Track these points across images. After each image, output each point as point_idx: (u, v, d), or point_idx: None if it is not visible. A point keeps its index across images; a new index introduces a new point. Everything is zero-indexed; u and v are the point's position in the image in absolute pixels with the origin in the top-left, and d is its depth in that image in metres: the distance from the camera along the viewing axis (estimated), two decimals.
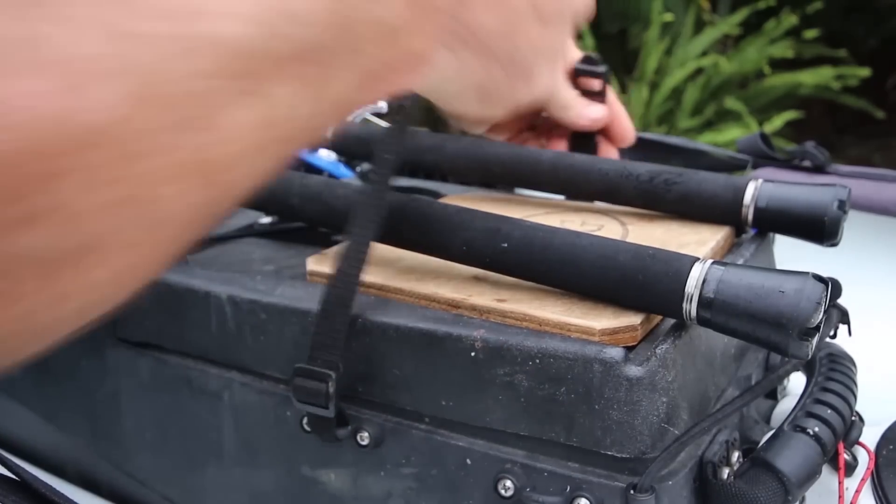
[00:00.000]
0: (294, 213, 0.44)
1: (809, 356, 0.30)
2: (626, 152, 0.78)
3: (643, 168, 0.45)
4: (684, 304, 0.32)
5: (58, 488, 0.30)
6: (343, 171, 0.74)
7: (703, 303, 0.31)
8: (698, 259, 0.33)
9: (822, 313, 0.30)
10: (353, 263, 0.37)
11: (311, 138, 0.24)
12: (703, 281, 0.31)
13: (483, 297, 0.36)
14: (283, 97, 0.21)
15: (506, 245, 0.36)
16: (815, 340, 0.30)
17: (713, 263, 0.32)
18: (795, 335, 0.29)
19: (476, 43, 0.31)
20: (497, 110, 0.37)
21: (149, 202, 0.17)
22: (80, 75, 0.15)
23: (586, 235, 0.36)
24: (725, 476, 0.34)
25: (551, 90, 0.37)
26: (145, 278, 0.20)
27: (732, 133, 2.65)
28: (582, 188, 0.47)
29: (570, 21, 0.37)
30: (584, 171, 0.47)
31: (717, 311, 0.31)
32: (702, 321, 0.32)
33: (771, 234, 0.47)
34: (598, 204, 0.49)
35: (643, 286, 0.33)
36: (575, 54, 0.44)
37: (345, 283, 0.36)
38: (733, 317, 0.31)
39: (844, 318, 0.44)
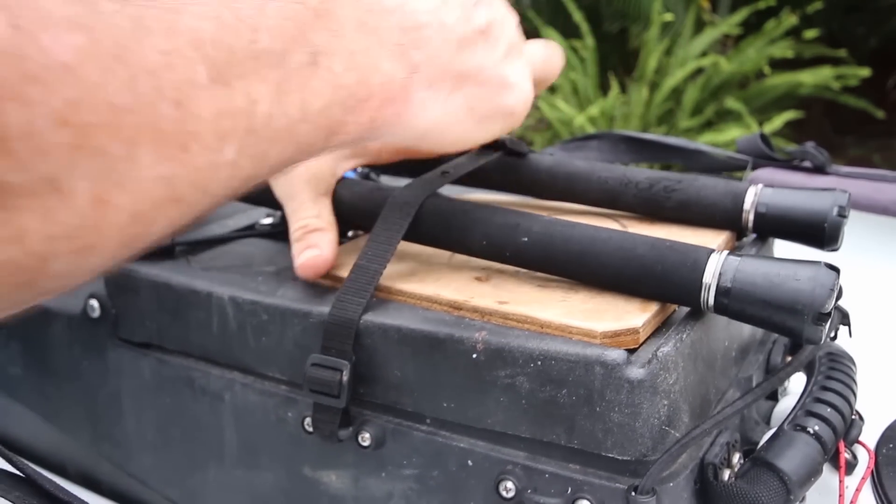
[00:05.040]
0: None
1: (823, 341, 0.32)
2: (626, 152, 0.78)
3: (642, 175, 0.45)
4: (702, 293, 0.33)
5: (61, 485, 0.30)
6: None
7: (721, 291, 0.33)
8: (714, 250, 0.34)
9: (834, 299, 0.31)
10: (375, 259, 0.38)
11: (301, 148, 0.28)
12: (721, 269, 0.33)
13: (485, 299, 0.36)
14: (248, 92, 0.24)
15: (526, 239, 0.37)
16: (827, 326, 0.31)
17: (729, 254, 0.33)
18: (810, 320, 0.31)
19: (445, 70, 0.34)
20: (493, 127, 0.39)
21: (108, 157, 0.19)
22: (37, 22, 0.18)
23: (604, 229, 0.36)
24: (726, 477, 0.34)
25: (528, 94, 0.39)
26: (109, 253, 0.21)
27: (732, 133, 2.64)
28: (581, 196, 0.47)
29: (515, 34, 0.39)
30: (583, 178, 0.47)
31: (734, 299, 0.32)
32: (719, 308, 0.33)
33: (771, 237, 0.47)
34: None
35: (662, 276, 0.34)
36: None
37: (364, 277, 0.37)
38: (750, 304, 0.32)
39: (845, 319, 0.45)
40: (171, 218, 0.22)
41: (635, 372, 0.31)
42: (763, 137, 0.71)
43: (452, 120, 0.36)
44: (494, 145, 0.47)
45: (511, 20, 0.39)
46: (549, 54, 0.44)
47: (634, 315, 0.34)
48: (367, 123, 0.31)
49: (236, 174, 0.24)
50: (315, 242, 0.41)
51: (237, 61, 0.23)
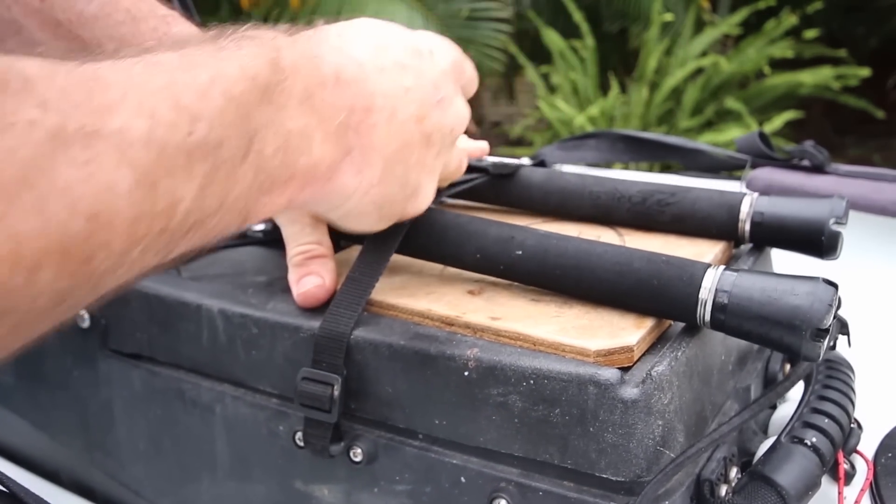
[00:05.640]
0: None
1: (821, 357, 0.31)
2: (624, 151, 0.77)
3: (635, 189, 0.45)
4: (699, 308, 0.33)
5: (52, 494, 0.29)
6: None
7: (718, 306, 0.32)
8: (710, 265, 0.33)
9: (833, 315, 0.31)
10: (367, 272, 0.37)
11: (209, 235, 0.25)
12: (717, 285, 0.32)
13: (477, 315, 0.36)
14: (173, 191, 0.22)
15: (520, 252, 0.36)
16: (826, 341, 0.31)
17: (725, 269, 0.33)
18: (809, 336, 0.30)
19: (376, 163, 0.33)
20: (388, 223, 0.37)
21: (6, 289, 0.18)
22: None
23: (599, 243, 0.36)
24: (723, 493, 0.34)
25: (429, 202, 0.38)
26: None
27: (732, 133, 2.64)
28: (573, 211, 0.47)
29: (452, 143, 0.38)
30: (575, 193, 0.46)
31: (731, 314, 0.32)
32: (716, 324, 0.33)
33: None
34: None
35: (658, 291, 0.33)
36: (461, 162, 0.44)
37: (356, 290, 0.37)
38: (747, 319, 0.32)
39: (844, 328, 0.44)
40: (54, 321, 0.21)
41: (629, 392, 0.31)
42: (762, 136, 0.71)
43: (361, 211, 0.35)
44: (479, 169, 0.47)
45: (459, 125, 0.37)
46: (462, 161, 0.43)
47: (629, 332, 0.33)
48: (283, 204, 0.29)
49: (133, 271, 0.22)
50: (316, 270, 0.40)
51: (167, 158, 0.21)
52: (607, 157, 0.77)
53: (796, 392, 0.41)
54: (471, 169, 0.46)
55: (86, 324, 0.47)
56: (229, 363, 0.41)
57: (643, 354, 0.33)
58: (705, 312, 0.33)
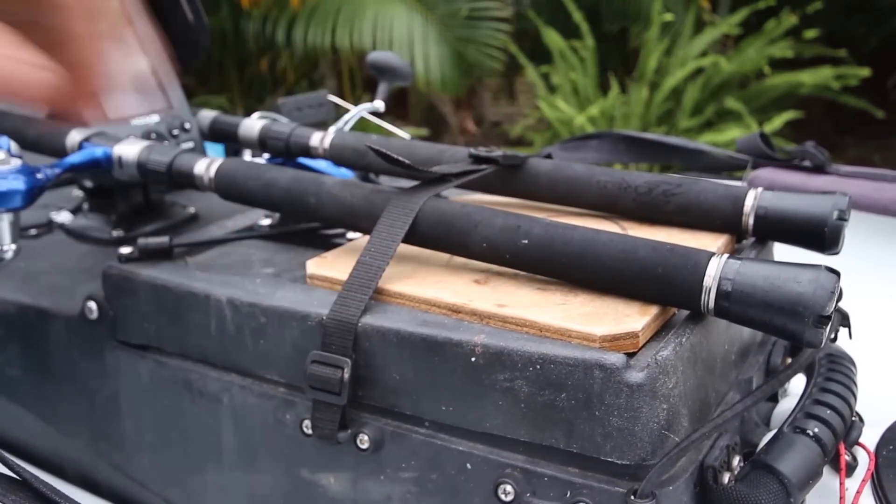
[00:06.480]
0: (310, 212, 0.44)
1: (823, 343, 0.31)
2: (626, 152, 0.78)
3: (641, 179, 0.45)
4: (703, 296, 0.33)
5: (57, 488, 0.30)
6: (342, 171, 0.74)
7: (722, 294, 0.33)
8: (714, 253, 0.34)
9: (835, 302, 0.31)
10: (377, 257, 0.38)
11: None
12: (721, 272, 0.33)
13: (483, 302, 0.36)
14: None
15: (526, 241, 0.37)
16: (828, 329, 0.31)
17: (729, 257, 0.33)
18: (811, 323, 0.31)
19: None
20: None
21: None
22: None
23: (604, 232, 0.36)
24: (726, 481, 0.34)
25: None
26: None
27: (732, 133, 2.65)
28: (580, 200, 0.47)
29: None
30: (582, 182, 0.46)
31: (734, 302, 0.32)
32: (720, 311, 0.33)
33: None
34: None
35: (662, 279, 0.34)
36: None
37: (366, 274, 0.38)
38: (750, 306, 0.32)
39: (845, 321, 0.44)
40: None
41: (634, 376, 0.31)
42: (763, 137, 0.71)
43: None
44: (489, 160, 0.47)
45: None
46: None
47: (634, 319, 0.34)
48: None
49: None
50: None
51: None
52: (609, 157, 0.77)
53: (798, 388, 0.41)
54: (480, 160, 0.47)
55: (93, 315, 0.48)
56: (237, 353, 0.42)
57: (648, 341, 0.34)
58: (709, 300, 0.33)
